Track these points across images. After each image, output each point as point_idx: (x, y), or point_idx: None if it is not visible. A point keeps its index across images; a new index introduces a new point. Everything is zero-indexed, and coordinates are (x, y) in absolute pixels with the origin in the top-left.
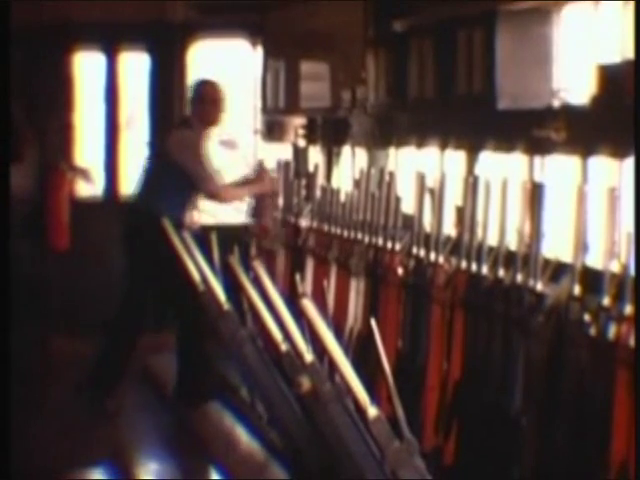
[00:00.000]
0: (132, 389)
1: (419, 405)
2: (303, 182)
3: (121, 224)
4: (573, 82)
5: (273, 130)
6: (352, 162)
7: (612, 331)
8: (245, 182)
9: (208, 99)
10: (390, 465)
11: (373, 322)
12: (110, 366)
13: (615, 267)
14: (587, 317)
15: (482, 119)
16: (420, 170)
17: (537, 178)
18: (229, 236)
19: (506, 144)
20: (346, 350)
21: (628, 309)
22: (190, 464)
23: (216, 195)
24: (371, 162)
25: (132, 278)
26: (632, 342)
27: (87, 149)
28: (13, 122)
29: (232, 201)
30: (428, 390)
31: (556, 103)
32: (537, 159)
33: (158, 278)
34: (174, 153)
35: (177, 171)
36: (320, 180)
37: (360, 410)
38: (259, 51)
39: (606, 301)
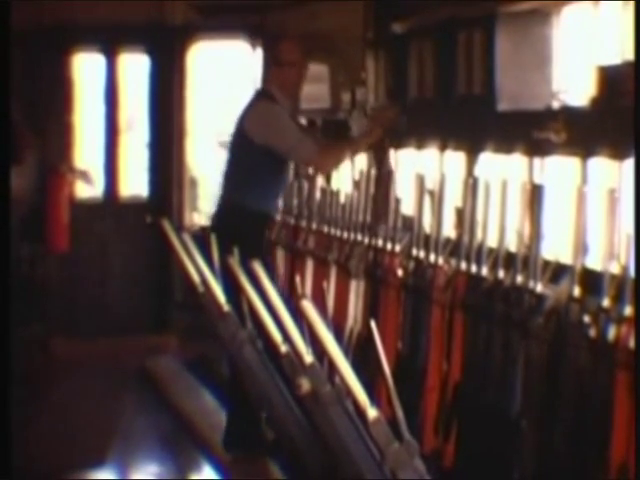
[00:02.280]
0: (132, 389)
1: (419, 406)
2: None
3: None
4: (573, 83)
5: None
6: (352, 163)
7: (612, 332)
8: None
9: (285, 60)
10: (390, 466)
11: (373, 323)
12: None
13: (615, 268)
14: (587, 318)
15: (482, 120)
16: (420, 171)
17: (537, 179)
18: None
19: (506, 145)
20: (346, 351)
21: (628, 310)
22: (190, 464)
23: (311, 164)
24: (371, 163)
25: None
26: (632, 343)
27: (87, 151)
28: (13, 124)
29: (336, 165)
30: (428, 391)
31: (556, 104)
32: (537, 160)
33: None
34: (254, 133)
35: (262, 154)
36: (320, 181)
37: (360, 411)
38: (259, 52)
39: (606, 302)
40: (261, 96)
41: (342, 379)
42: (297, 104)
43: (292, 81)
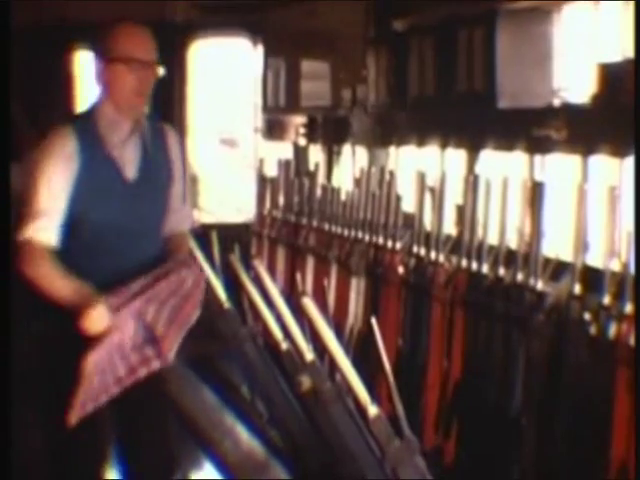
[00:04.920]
0: None
1: (419, 404)
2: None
3: None
4: (573, 81)
5: (274, 129)
6: (352, 161)
7: (612, 330)
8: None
9: (119, 55)
10: (390, 464)
11: (373, 321)
12: None
13: (615, 266)
14: (587, 316)
15: (482, 118)
16: (420, 169)
17: (537, 177)
18: (229, 234)
19: (506, 143)
20: (346, 349)
21: (628, 308)
22: (189, 463)
23: (18, 249)
24: (371, 161)
25: None
26: (632, 341)
27: None
28: (13, 122)
29: (31, 277)
30: (428, 389)
31: (556, 102)
32: (537, 158)
33: None
34: None
35: None
36: (321, 179)
37: (360, 409)
38: (260, 50)
39: (606, 300)
40: (75, 117)
41: (343, 376)
42: (140, 119)
43: (130, 87)
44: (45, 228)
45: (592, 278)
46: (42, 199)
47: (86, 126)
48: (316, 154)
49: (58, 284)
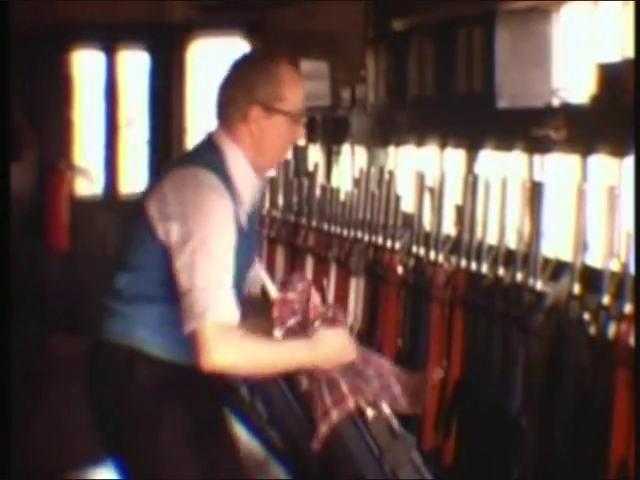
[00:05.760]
0: None
1: None
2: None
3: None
4: (573, 81)
5: None
6: (352, 161)
7: (612, 330)
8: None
9: (292, 110)
10: (389, 464)
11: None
12: None
13: (615, 266)
14: (587, 316)
15: (482, 118)
16: (420, 169)
17: (537, 177)
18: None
19: (506, 143)
20: None
21: (628, 308)
22: None
23: (198, 343)
24: (371, 161)
25: None
26: (632, 341)
27: (87, 148)
28: (13, 122)
29: (233, 365)
30: None
31: (556, 102)
32: (537, 158)
33: None
34: (155, 217)
35: (164, 255)
36: (320, 179)
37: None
38: None
39: (606, 300)
40: (201, 159)
41: None
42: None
43: (286, 142)
44: (225, 302)
45: (591, 278)
46: (218, 268)
47: (226, 179)
48: (315, 154)
49: (271, 361)
